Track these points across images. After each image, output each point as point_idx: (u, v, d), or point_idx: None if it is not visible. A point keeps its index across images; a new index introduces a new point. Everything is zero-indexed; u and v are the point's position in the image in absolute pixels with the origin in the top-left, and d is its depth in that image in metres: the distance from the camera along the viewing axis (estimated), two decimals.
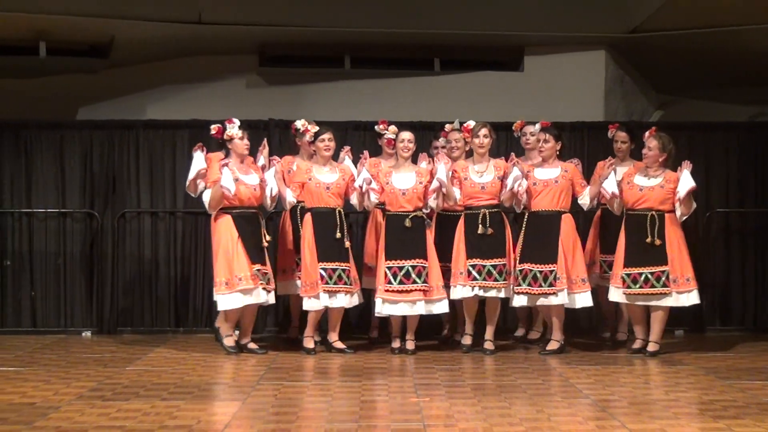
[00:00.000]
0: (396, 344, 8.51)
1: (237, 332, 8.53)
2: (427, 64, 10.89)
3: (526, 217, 8.49)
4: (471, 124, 8.63)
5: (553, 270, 8.29)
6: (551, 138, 8.51)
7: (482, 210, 8.40)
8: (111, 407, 6.22)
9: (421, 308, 8.32)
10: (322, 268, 8.29)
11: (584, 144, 10.11)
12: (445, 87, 10.84)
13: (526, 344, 9.01)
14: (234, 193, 8.16)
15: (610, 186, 8.34)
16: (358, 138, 9.88)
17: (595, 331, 9.59)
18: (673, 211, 8.32)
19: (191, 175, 8.28)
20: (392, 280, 8.28)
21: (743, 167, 10.23)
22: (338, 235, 8.35)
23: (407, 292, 8.27)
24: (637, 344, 8.50)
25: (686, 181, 8.21)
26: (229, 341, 8.43)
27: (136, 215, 9.98)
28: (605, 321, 9.41)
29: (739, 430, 5.64)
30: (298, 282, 8.67)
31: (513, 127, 9.11)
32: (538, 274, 8.31)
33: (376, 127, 8.97)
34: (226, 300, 8.24)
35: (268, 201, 8.41)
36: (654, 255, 8.24)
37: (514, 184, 8.32)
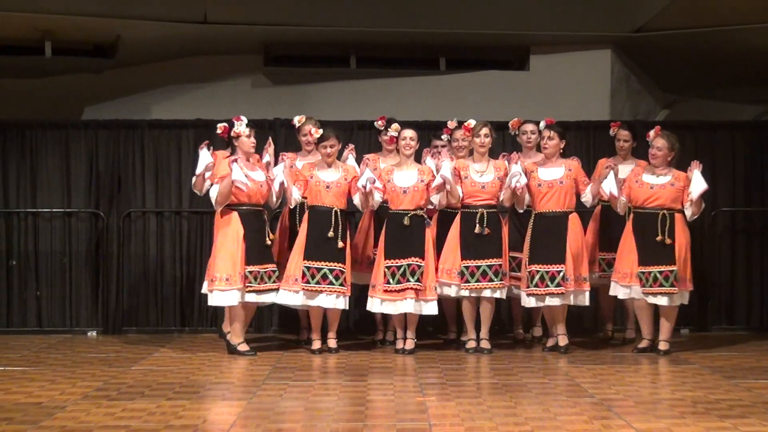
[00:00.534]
0: (400, 345, 8.50)
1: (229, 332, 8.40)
2: (433, 64, 10.90)
3: (532, 218, 8.47)
4: (472, 123, 8.60)
5: (560, 270, 8.28)
6: (556, 135, 8.48)
7: (480, 209, 8.39)
8: (116, 407, 6.22)
9: (409, 306, 8.26)
10: (306, 267, 8.25)
11: (590, 143, 10.10)
12: (450, 86, 10.84)
13: (547, 349, 8.60)
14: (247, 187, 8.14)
15: (608, 186, 8.33)
16: (363, 137, 9.87)
17: (595, 331, 9.57)
18: (681, 210, 8.31)
19: (199, 169, 8.16)
20: (390, 279, 8.27)
21: (749, 166, 10.22)
22: (330, 234, 8.33)
23: (401, 291, 8.27)
24: (643, 344, 8.49)
25: (699, 183, 8.19)
26: (242, 347, 8.25)
27: (142, 215, 9.97)
28: (604, 320, 9.39)
29: (745, 430, 5.63)
30: None
31: (509, 125, 8.99)
32: (545, 275, 8.30)
33: (375, 123, 8.97)
34: (223, 297, 8.14)
35: (274, 198, 8.38)
36: (663, 254, 8.22)
37: (512, 180, 8.28)
